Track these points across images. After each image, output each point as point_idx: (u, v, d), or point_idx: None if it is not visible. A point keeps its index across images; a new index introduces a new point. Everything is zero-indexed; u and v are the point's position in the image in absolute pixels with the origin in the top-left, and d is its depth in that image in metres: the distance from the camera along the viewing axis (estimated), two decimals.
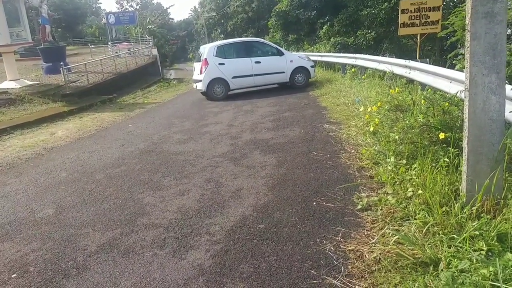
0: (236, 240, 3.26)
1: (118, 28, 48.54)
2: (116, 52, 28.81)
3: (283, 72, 12.19)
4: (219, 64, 11.79)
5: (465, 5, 3.12)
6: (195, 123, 8.74)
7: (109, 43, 34.11)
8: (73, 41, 51.30)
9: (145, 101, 15.40)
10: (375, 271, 2.61)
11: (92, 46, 32.79)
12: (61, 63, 16.92)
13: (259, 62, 11.99)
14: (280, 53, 12.27)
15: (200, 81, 11.92)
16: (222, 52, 12.01)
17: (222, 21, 48.90)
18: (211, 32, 52.79)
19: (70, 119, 11.67)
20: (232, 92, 12.42)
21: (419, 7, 12.62)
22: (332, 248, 2.99)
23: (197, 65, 12.36)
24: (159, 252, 3.20)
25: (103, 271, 3.00)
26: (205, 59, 11.81)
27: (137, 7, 80.00)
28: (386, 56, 12.22)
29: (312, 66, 12.73)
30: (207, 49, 12.05)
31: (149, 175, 5.30)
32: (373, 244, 2.94)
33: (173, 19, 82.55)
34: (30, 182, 5.56)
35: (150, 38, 39.01)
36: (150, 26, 55.24)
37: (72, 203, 4.56)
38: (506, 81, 3.03)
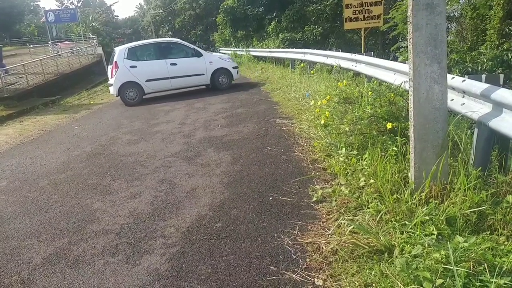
0: (192, 241, 3.17)
1: (59, 26, 46.07)
2: (58, 52, 27.36)
3: (203, 74, 11.71)
4: (131, 67, 11.11)
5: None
6: (146, 122, 8.47)
7: (49, 42, 32.31)
8: (10, 42, 48.15)
9: (91, 102, 14.72)
10: (332, 262, 2.64)
11: (31, 46, 30.90)
12: None
13: (175, 64, 11.44)
14: (198, 54, 11.72)
15: (112, 85, 11.35)
16: (134, 54, 11.32)
17: (170, 18, 47.93)
18: (158, 30, 51.57)
19: (10, 124, 10.92)
20: (185, 90, 12.11)
21: (362, 2, 13.05)
22: (290, 242, 2.99)
23: (109, 68, 11.64)
24: (111, 259, 3.05)
25: (51, 285, 2.81)
26: (115, 62, 11.11)
27: (79, 4, 76.44)
28: (333, 51, 12.47)
29: (234, 67, 12.24)
30: (117, 52, 11.38)
31: (97, 179, 5.05)
32: (329, 236, 2.97)
33: (117, 16, 79.74)
34: None
35: (94, 36, 37.39)
36: (93, 24, 52.94)
37: (14, 213, 4.25)
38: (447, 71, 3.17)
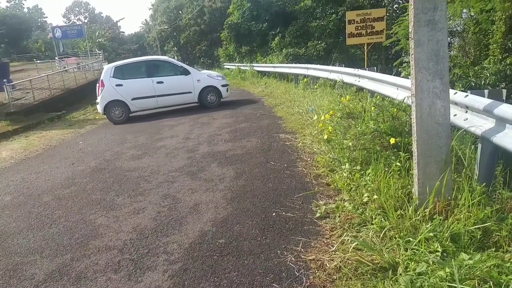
0: (195, 258, 3.15)
1: (66, 42, 46.85)
2: (64, 67, 27.71)
3: (190, 92, 11.59)
4: (116, 85, 11.13)
5: (408, 14, 3.25)
6: (150, 137, 8.51)
7: (56, 58, 32.79)
8: (18, 57, 48.95)
9: (97, 117, 14.81)
10: (336, 279, 2.61)
11: (38, 61, 31.44)
12: (4, 80, 15.98)
13: (161, 82, 11.36)
14: (186, 72, 11.57)
15: (98, 103, 11.42)
16: (120, 72, 11.31)
17: (175, 33, 48.45)
18: (163, 45, 52.16)
19: (15, 139, 11.01)
20: (188, 106, 12.17)
21: (365, 17, 13.19)
22: (293, 259, 2.96)
23: (97, 87, 11.72)
24: (114, 276, 3.03)
25: None
26: (101, 80, 11.18)
27: (85, 21, 77.84)
28: (336, 66, 12.56)
29: (223, 85, 12.00)
30: (104, 70, 11.45)
31: (101, 194, 5.06)
32: (333, 252, 2.94)
33: (123, 32, 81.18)
34: None
35: (100, 52, 37.96)
36: (100, 40, 53.86)
37: (17, 229, 4.26)
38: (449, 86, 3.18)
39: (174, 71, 11.66)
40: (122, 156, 7.10)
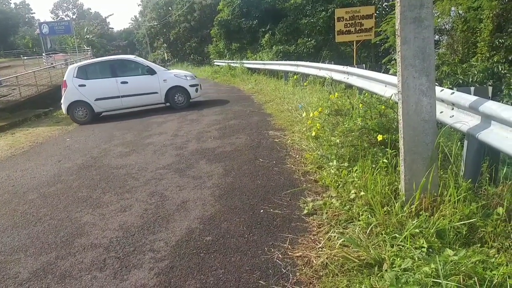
0: (182, 255, 3.13)
1: (53, 38, 46.22)
2: (52, 64, 27.34)
3: (156, 93, 11.28)
4: (79, 85, 10.94)
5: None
6: (138, 134, 8.44)
7: (43, 54, 32.33)
8: (4, 53, 48.24)
9: None
10: (322, 276, 2.61)
11: (25, 57, 30.87)
12: None
13: (126, 82, 11.08)
14: (152, 72, 11.24)
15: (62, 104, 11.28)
16: (83, 72, 11.13)
17: (165, 30, 48.02)
18: (153, 42, 51.72)
19: (1, 136, 10.82)
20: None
21: (354, 15, 13.23)
22: (280, 255, 2.96)
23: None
24: (99, 274, 3.00)
25: None
26: (64, 80, 11.05)
27: (74, 17, 76.85)
28: (326, 63, 12.58)
29: (192, 85, 11.55)
30: (67, 70, 11.28)
31: (88, 192, 5.00)
32: (320, 249, 2.94)
33: (112, 28, 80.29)
34: None
35: (88, 48, 37.53)
36: (88, 36, 53.17)
37: (1, 227, 4.19)
38: (436, 83, 3.19)
39: (139, 71, 11.37)
40: (109, 153, 7.02)
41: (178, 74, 11.86)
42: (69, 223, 4.07)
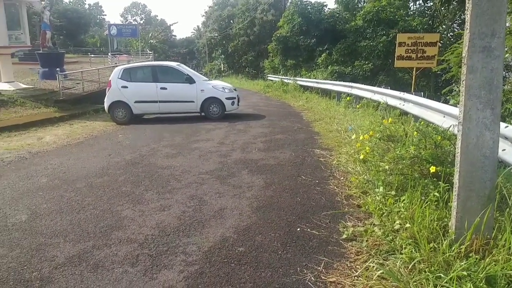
0: (212, 263, 3.09)
1: (120, 40, 48.91)
2: (116, 63, 28.82)
3: (193, 102, 11.51)
4: (122, 87, 11.40)
5: (462, 42, 3.09)
6: (186, 138, 8.61)
7: (109, 54, 34.18)
8: (74, 50, 51.49)
9: None
10: None
11: (92, 55, 32.82)
12: (58, 69, 16.81)
13: (165, 88, 11.40)
14: (191, 81, 11.48)
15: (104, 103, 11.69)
16: (127, 75, 11.58)
17: (224, 42, 49.28)
18: (212, 52, 53.20)
19: (60, 125, 11.48)
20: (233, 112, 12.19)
21: (416, 41, 12.80)
22: (312, 278, 2.84)
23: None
24: (130, 269, 3.02)
25: (67, 286, 2.81)
26: (110, 80, 11.58)
27: (141, 22, 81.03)
28: (382, 87, 12.26)
29: (228, 98, 11.63)
30: (114, 71, 11.74)
31: (131, 187, 5.13)
32: (356, 277, 2.79)
33: (175, 36, 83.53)
34: (8, 186, 5.36)
35: (150, 52, 39.20)
36: (152, 41, 55.77)
37: (47, 210, 4.38)
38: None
39: (179, 79, 11.62)
40: (157, 153, 7.21)
41: (216, 86, 12.01)
42: (109, 215, 4.18)
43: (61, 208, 4.42)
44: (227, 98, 11.65)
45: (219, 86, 11.97)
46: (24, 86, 16.42)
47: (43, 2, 19.81)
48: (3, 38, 15.27)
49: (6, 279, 2.93)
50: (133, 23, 77.16)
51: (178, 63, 12.79)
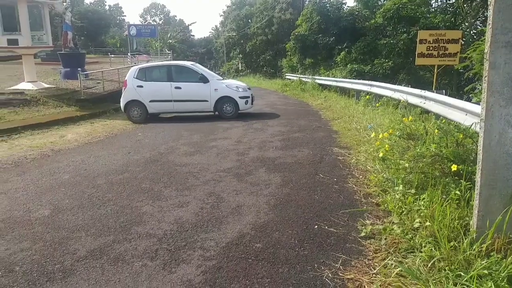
0: (230, 258, 3.12)
1: (139, 40, 49.57)
2: (135, 63, 29.23)
3: (206, 101, 11.54)
4: (138, 86, 11.54)
5: (484, 39, 3.02)
6: (204, 137, 8.68)
7: (128, 54, 34.70)
8: (95, 50, 52.51)
9: None
10: None
11: (112, 56, 33.38)
12: (79, 69, 17.16)
13: (179, 88, 11.51)
14: (205, 80, 11.53)
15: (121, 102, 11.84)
16: (143, 74, 11.73)
17: (242, 41, 49.38)
18: (229, 51, 53.40)
19: (82, 124, 11.72)
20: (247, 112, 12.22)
21: (438, 38, 12.56)
22: (330, 275, 2.83)
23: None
24: (149, 263, 3.07)
25: (89, 278, 2.88)
26: (125, 80, 11.73)
27: (160, 22, 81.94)
28: (402, 86, 12.05)
29: (242, 97, 11.62)
30: (130, 70, 11.88)
31: (150, 184, 5.21)
32: (374, 275, 2.77)
33: (193, 36, 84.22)
34: (32, 182, 5.51)
35: (169, 52, 39.61)
36: (170, 41, 56.36)
37: (69, 205, 4.48)
38: None
39: (193, 78, 11.69)
40: (175, 151, 7.29)
41: (230, 85, 12.02)
42: (129, 210, 4.25)
43: (82, 204, 4.52)
44: (240, 97, 11.66)
45: (232, 85, 12.01)
46: (46, 85, 16.81)
47: (64, 4, 20.23)
48: (27, 38, 15.66)
49: (30, 271, 3.02)
50: (152, 23, 78.14)
51: (192, 63, 12.90)
